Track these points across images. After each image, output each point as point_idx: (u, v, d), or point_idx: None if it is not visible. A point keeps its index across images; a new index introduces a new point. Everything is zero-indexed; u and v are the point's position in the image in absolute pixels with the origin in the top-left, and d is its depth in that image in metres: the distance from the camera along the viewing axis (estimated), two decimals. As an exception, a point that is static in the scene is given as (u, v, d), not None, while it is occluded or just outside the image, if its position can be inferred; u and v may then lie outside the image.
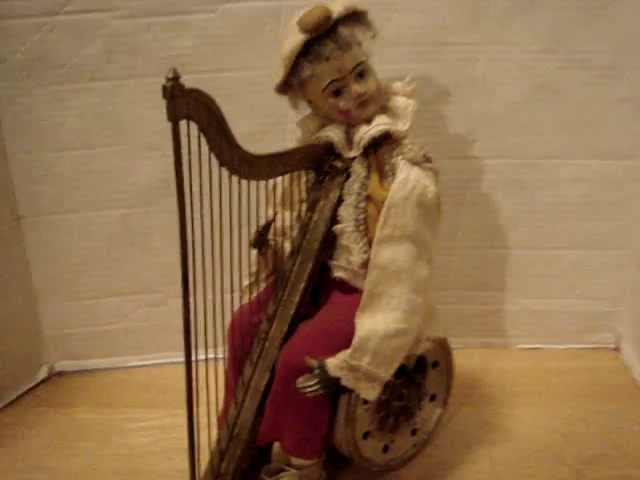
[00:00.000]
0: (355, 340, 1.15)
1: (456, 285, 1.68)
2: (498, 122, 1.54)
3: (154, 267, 1.65)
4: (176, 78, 0.98)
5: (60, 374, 1.72)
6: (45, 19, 1.44)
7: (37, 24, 1.44)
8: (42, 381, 1.69)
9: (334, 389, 1.16)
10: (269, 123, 1.53)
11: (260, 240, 1.23)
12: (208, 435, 1.17)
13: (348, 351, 1.14)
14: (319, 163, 1.22)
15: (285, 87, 1.22)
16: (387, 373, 1.17)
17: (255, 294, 1.27)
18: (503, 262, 1.66)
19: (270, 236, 1.25)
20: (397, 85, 1.25)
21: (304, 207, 1.25)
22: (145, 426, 1.51)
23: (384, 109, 1.23)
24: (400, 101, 1.22)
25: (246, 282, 1.28)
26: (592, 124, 1.53)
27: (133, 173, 1.58)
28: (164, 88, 0.97)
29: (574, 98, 1.51)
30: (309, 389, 1.14)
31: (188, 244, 1.03)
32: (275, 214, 1.23)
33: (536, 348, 1.73)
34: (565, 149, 1.56)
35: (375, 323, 1.15)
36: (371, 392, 1.17)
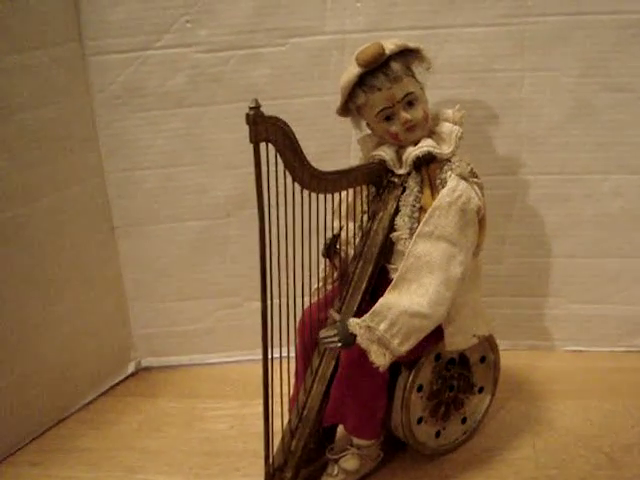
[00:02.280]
0: (376, 305, 1.25)
1: (505, 291, 1.78)
2: (542, 141, 1.64)
3: (232, 273, 1.80)
4: (257, 107, 1.15)
5: (146, 369, 1.89)
6: (138, 54, 1.62)
7: (131, 58, 1.62)
8: (130, 375, 1.86)
9: (350, 345, 1.25)
10: (335, 143, 1.67)
11: (329, 250, 1.40)
12: (281, 422, 1.33)
13: (369, 313, 1.26)
14: (378, 179, 1.38)
15: (344, 111, 1.38)
16: (401, 347, 1.25)
17: (323, 294, 1.44)
18: (548, 270, 1.75)
19: (338, 246, 1.41)
20: (448, 112, 1.38)
21: (365, 217, 1.40)
22: (222, 414, 1.68)
23: (432, 133, 1.36)
24: (447, 127, 1.36)
25: (315, 285, 1.44)
26: (629, 142, 1.62)
27: (213, 188, 1.73)
28: (247, 115, 1.15)
29: (612, 118, 1.61)
30: (328, 339, 1.27)
31: (266, 251, 1.20)
32: (340, 228, 1.40)
33: (579, 351, 1.80)
34: (605, 165, 1.64)
35: (400, 299, 1.25)
36: (381, 358, 1.25)
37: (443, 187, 1.32)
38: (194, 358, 1.89)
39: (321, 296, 1.44)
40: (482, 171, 1.35)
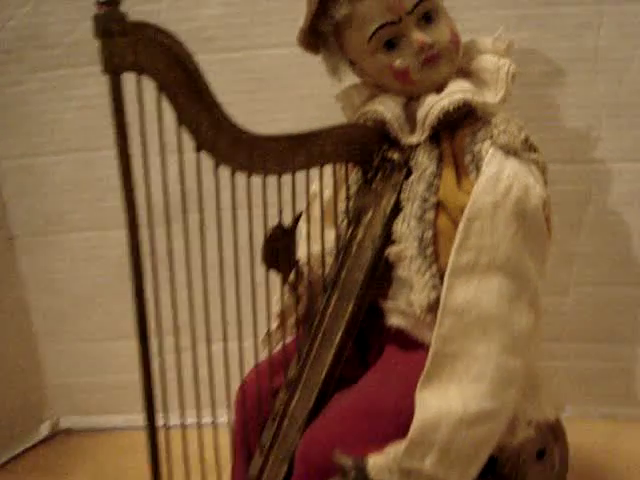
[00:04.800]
0: (414, 429, 0.71)
1: (571, 334, 1.27)
2: (631, 111, 1.15)
3: (178, 302, 1.28)
4: (112, 2, 0.58)
5: (66, 432, 1.40)
6: (36, -13, 1.16)
7: (26, -6, 1.15)
8: (44, 439, 1.36)
9: None
10: (321, 117, 1.11)
11: (274, 254, 0.80)
12: None
13: (403, 445, 0.71)
14: (366, 154, 0.81)
15: (314, 38, 0.83)
16: (463, 479, 0.73)
17: (278, 347, 0.85)
18: (636, 304, 1.25)
19: (302, 258, 0.84)
20: (486, 41, 0.84)
21: (345, 221, 0.83)
22: (154, 512, 1.12)
23: (464, 72, 0.82)
24: (489, 61, 0.82)
25: (270, 328, 0.87)
26: None
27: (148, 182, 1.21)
28: (95, 18, 0.59)
29: None
30: None
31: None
32: (299, 215, 0.81)
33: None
34: None
35: (447, 401, 0.72)
36: None
37: (477, 168, 0.77)
38: (129, 419, 1.37)
39: (275, 347, 0.86)
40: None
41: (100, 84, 1.15)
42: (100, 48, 0.60)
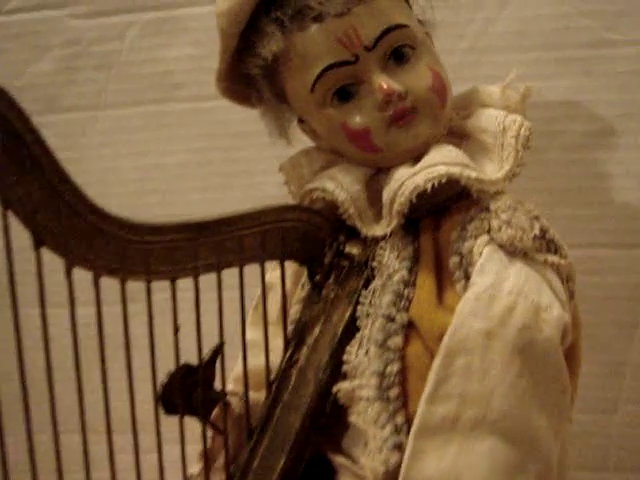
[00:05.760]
0: None
1: (619, 463, 0.94)
2: None
3: (143, 393, 1.05)
4: None
5: None
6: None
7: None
8: None
9: None
10: None
11: (182, 397, 0.57)
12: None
13: None
14: (313, 248, 0.57)
15: (243, 84, 0.61)
16: None
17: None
18: None
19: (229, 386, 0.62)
20: (491, 90, 0.60)
21: (280, 339, 0.59)
22: None
23: (458, 135, 0.58)
24: (491, 118, 0.56)
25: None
26: None
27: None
28: None
29: None
30: None
31: None
32: (219, 346, 0.56)
33: None
34: None
35: None
36: None
37: (466, 275, 0.52)
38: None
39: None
40: (572, 239, 0.61)
41: (53, 136, 0.98)
42: None
